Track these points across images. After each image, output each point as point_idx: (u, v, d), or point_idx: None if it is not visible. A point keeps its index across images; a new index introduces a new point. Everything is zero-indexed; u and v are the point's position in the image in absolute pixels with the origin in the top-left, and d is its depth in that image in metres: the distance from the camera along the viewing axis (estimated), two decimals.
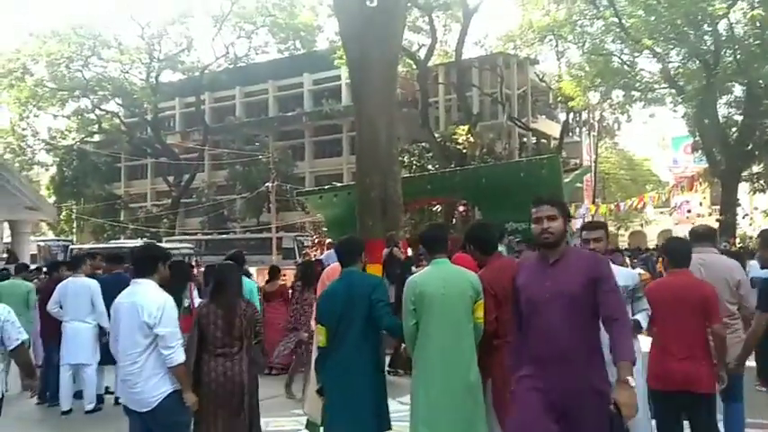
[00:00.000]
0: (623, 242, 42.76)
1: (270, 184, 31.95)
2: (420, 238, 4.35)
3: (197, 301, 6.97)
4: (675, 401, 4.06)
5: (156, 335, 3.96)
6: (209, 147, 42.10)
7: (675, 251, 4.45)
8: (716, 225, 26.76)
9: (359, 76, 11.62)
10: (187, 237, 36.11)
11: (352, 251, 4.36)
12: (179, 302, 5.18)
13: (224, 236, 35.38)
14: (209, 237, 35.27)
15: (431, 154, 25.27)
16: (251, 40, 41.43)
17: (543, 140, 37.86)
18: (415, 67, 27.37)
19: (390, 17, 11.32)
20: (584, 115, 37.74)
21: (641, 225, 44.95)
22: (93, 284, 7.03)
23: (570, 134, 38.74)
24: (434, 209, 24.71)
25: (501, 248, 12.28)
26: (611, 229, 46.26)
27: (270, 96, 45.22)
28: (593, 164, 39.26)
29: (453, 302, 3.79)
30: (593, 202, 33.49)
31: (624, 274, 3.90)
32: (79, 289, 7.03)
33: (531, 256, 3.27)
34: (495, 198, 14.29)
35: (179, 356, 4.02)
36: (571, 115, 36.54)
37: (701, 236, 4.97)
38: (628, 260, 15.15)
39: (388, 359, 7.88)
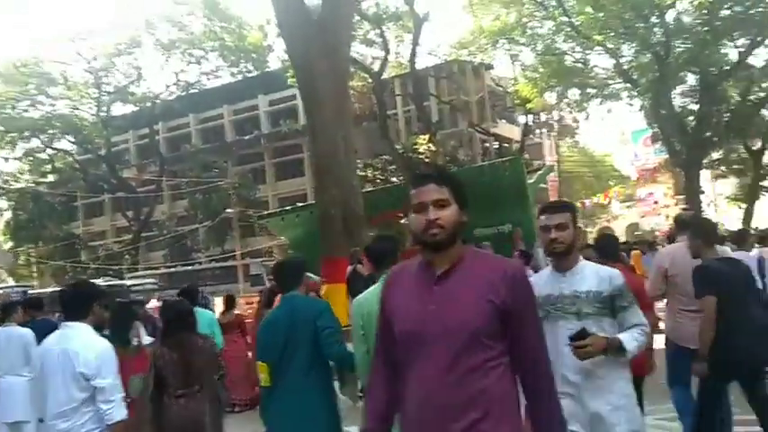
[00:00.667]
0: (592, 239, 42.78)
1: (231, 211, 31.18)
2: (365, 252, 3.76)
3: (146, 339, 6.63)
4: None
5: (93, 387, 3.42)
6: (167, 177, 41.13)
7: (605, 246, 4.91)
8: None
9: (310, 90, 11.16)
10: (150, 271, 35.05)
11: (292, 274, 3.85)
12: (126, 343, 4.87)
13: (188, 267, 34.41)
14: (173, 270, 34.27)
15: (394, 166, 24.88)
16: (201, 65, 40.70)
17: (505, 144, 37.82)
18: (370, 80, 27.06)
19: (336, 28, 10.90)
20: (544, 116, 37.90)
21: (608, 221, 45.18)
22: (27, 333, 6.36)
23: (531, 136, 38.80)
24: (403, 221, 24.28)
25: None
26: (579, 225, 46.46)
27: (225, 121, 44.49)
28: (555, 163, 39.44)
29: None
30: None
31: (597, 275, 2.94)
32: (11, 339, 6.36)
33: (409, 264, 2.19)
34: None
35: (120, 412, 3.47)
36: (530, 117, 36.59)
37: (687, 224, 4.91)
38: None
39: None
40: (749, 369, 4.18)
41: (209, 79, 42.51)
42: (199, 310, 7.05)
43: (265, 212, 23.61)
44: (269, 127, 42.36)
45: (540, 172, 17.27)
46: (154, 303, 14.12)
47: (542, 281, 3.06)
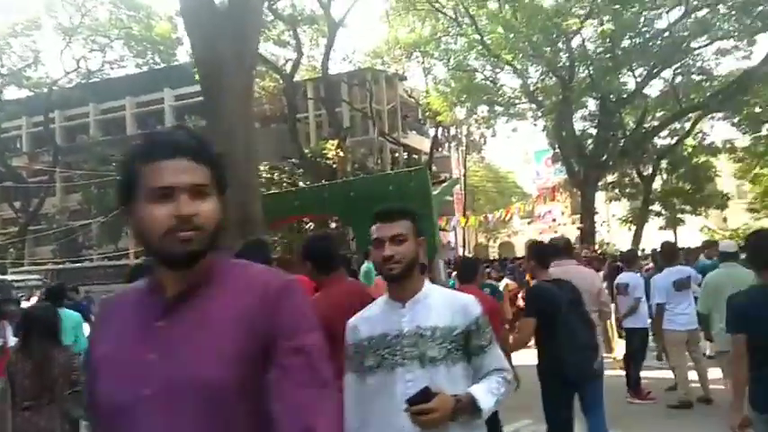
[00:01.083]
0: (494, 252, 44.02)
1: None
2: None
3: (12, 340, 6.24)
4: None
5: None
6: (61, 168, 38.83)
7: (464, 267, 5.26)
8: (577, 232, 28.05)
9: (211, 84, 10.65)
10: (36, 267, 32.86)
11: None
12: None
13: (78, 264, 32.50)
14: (61, 266, 32.27)
15: (301, 170, 24.50)
16: (105, 53, 38.80)
17: (414, 155, 38.21)
18: (282, 81, 26.60)
19: (243, 21, 10.47)
20: (453, 130, 38.58)
21: (508, 236, 46.55)
22: None
23: (440, 149, 39.39)
24: (307, 226, 23.96)
25: (368, 266, 11.72)
26: (481, 239, 47.80)
27: (128, 113, 42.54)
28: (462, 177, 40.21)
29: None
30: (464, 215, 34.14)
31: (448, 305, 2.31)
32: None
33: (132, 289, 1.49)
34: (366, 212, 13.60)
35: None
36: (440, 130, 37.16)
37: (561, 250, 5.32)
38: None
39: None
40: (578, 380, 4.51)
41: (112, 68, 40.62)
42: (65, 312, 6.51)
43: None
44: (173, 122, 40.81)
45: (445, 184, 17.45)
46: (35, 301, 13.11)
47: (374, 315, 2.36)
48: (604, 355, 5.54)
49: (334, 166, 23.95)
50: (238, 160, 10.16)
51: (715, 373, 7.24)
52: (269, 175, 25.93)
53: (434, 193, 14.90)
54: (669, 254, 7.59)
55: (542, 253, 4.85)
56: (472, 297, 2.40)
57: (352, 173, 25.44)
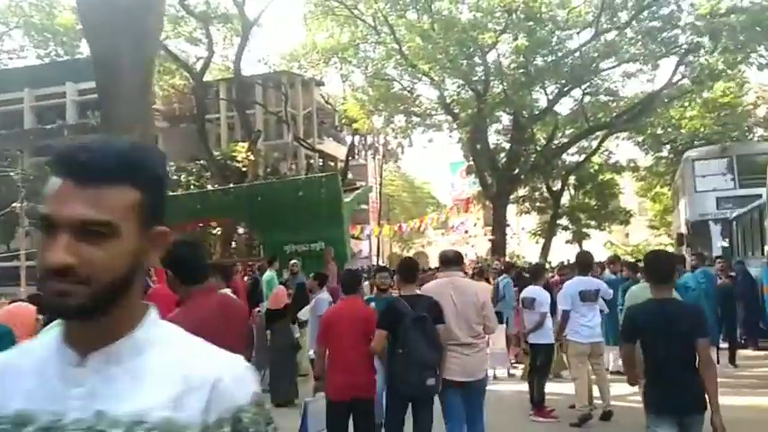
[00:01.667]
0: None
1: (19, 205, 27.75)
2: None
3: None
4: (346, 407, 4.75)
5: None
6: None
7: (346, 280, 5.49)
8: (489, 244, 28.45)
9: (107, 79, 9.87)
10: None
11: None
12: None
13: None
14: None
15: (209, 173, 23.54)
16: (3, 42, 36.30)
17: (330, 162, 37.73)
18: (192, 80, 25.51)
19: (143, 13, 9.76)
20: (370, 139, 38.42)
21: (422, 246, 46.83)
22: None
23: (356, 157, 39.13)
24: (214, 232, 23.01)
25: (270, 274, 11.15)
26: (396, 249, 47.82)
27: (26, 106, 39.84)
28: (378, 186, 40.09)
29: None
30: (379, 224, 33.99)
31: (196, 373, 1.06)
32: None
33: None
34: (272, 218, 13.24)
35: None
36: (357, 138, 36.89)
37: (451, 260, 5.31)
38: None
39: None
40: (415, 397, 4.72)
41: (11, 59, 38.10)
42: None
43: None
44: (75, 118, 38.56)
45: (357, 191, 17.15)
46: None
47: (34, 369, 1.07)
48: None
49: (245, 169, 23.16)
50: None
51: (618, 388, 7.21)
52: (175, 177, 24.79)
53: (347, 200, 14.59)
54: (584, 264, 7.48)
55: (406, 268, 5.20)
56: (243, 364, 1.14)
57: (264, 177, 24.71)
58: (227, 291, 3.31)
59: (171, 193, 18.78)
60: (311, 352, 6.86)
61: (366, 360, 4.81)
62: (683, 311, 3.94)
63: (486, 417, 5.31)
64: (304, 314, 8.27)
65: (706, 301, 9.59)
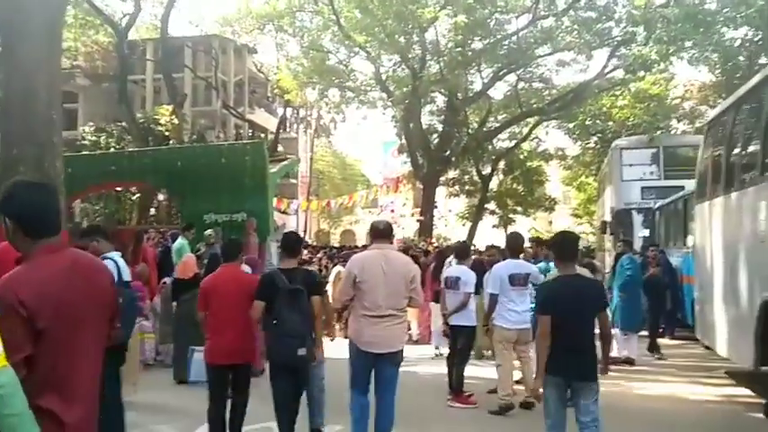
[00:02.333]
0: (335, 240, 43.75)
1: None
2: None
3: None
4: (225, 371, 5.14)
5: None
6: None
7: (227, 248, 5.78)
8: (417, 225, 28.37)
9: (8, 23, 8.92)
10: None
11: None
12: None
13: None
14: None
15: (131, 136, 22.32)
16: None
17: (261, 133, 36.67)
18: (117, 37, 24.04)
19: None
20: (303, 112, 37.57)
21: (350, 224, 46.54)
22: None
23: (288, 130, 38.23)
24: (133, 197, 21.89)
25: (181, 242, 10.54)
26: (324, 226, 47.34)
27: None
28: (309, 161, 39.35)
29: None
30: (307, 199, 33.36)
31: None
32: None
33: None
34: (193, 185, 12.56)
35: None
36: (289, 111, 35.99)
37: (382, 232, 5.35)
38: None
39: None
40: (289, 366, 4.88)
41: None
42: None
43: None
44: None
45: (284, 163, 16.51)
46: None
47: None
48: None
49: (167, 133, 22.06)
50: (36, 111, 8.62)
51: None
52: (94, 138, 23.40)
53: (273, 170, 14.01)
54: (514, 246, 7.14)
55: (287, 242, 5.42)
56: None
57: (190, 143, 23.67)
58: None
59: (83, 153, 17.71)
60: None
61: (245, 326, 5.04)
62: (587, 285, 4.65)
63: (398, 394, 5.20)
64: None
65: (632, 287, 9.67)
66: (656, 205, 14.94)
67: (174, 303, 7.84)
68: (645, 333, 10.24)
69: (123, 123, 23.38)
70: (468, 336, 7.19)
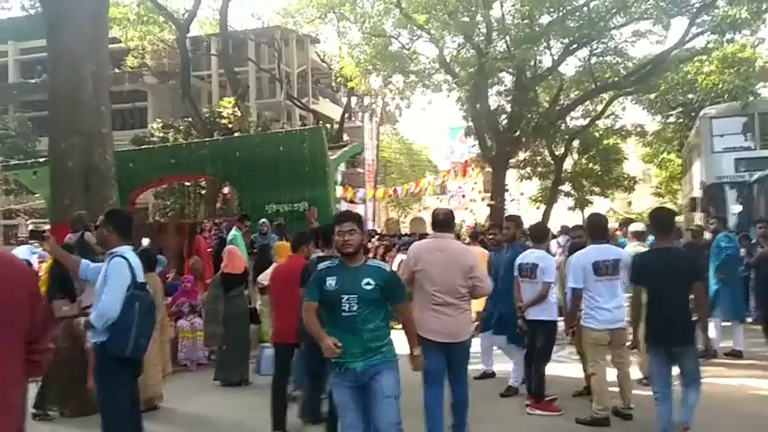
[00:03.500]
0: (405, 227, 43.21)
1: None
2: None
3: None
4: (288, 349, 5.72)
5: None
6: None
7: (294, 240, 6.13)
8: (488, 210, 27.39)
9: (55, 11, 8.70)
10: None
11: None
12: None
13: None
14: None
15: (196, 132, 22.34)
16: None
17: (326, 124, 36.45)
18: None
19: None
20: (367, 100, 37.08)
21: (419, 211, 45.87)
22: None
23: (352, 119, 37.86)
24: (202, 192, 21.92)
25: (234, 233, 10.09)
26: (393, 214, 46.82)
27: (10, 60, 38.42)
28: (375, 150, 38.88)
29: None
30: (374, 187, 32.92)
31: None
32: None
33: None
34: (252, 174, 12.25)
35: None
36: (354, 99, 35.56)
37: (442, 222, 5.16)
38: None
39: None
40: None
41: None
42: None
43: (12, 163, 19.85)
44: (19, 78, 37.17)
45: (345, 149, 15.93)
46: None
47: None
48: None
49: (231, 126, 21.93)
50: (83, 102, 8.35)
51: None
52: (162, 134, 23.57)
53: (333, 157, 13.47)
54: (597, 228, 5.93)
55: (326, 233, 5.30)
56: None
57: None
58: None
59: (144, 147, 17.70)
60: None
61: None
62: (682, 257, 4.86)
63: (470, 394, 5.08)
64: (264, 278, 6.88)
65: (732, 267, 8.59)
66: (753, 178, 13.52)
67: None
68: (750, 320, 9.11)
69: (189, 119, 23.47)
70: (548, 333, 6.17)
